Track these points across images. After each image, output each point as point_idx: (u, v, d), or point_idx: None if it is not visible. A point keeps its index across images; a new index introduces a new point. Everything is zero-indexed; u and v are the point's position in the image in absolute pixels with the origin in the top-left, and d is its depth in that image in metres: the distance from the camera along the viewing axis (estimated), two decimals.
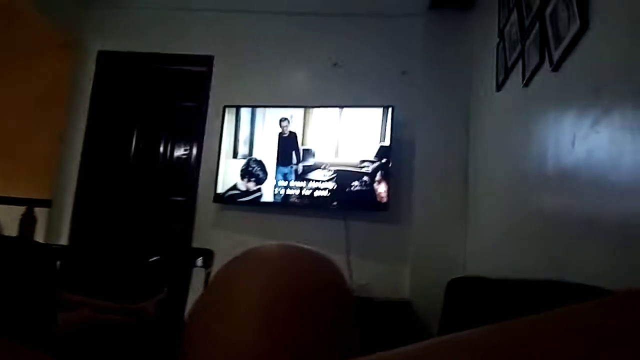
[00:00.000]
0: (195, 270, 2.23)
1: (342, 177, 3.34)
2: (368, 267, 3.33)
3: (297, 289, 0.36)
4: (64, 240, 3.64)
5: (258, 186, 3.44)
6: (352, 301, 0.39)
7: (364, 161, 3.33)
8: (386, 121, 3.34)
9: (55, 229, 3.69)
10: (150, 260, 2.10)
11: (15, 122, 3.92)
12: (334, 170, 3.36)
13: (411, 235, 3.31)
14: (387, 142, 3.31)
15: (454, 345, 0.21)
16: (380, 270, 3.37)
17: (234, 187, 3.48)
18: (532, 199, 2.06)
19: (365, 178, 3.31)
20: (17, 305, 0.92)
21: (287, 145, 3.46)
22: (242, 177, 3.48)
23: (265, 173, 3.45)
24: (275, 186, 3.43)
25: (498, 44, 2.65)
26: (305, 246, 0.40)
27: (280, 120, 3.49)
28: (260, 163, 3.47)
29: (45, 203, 3.69)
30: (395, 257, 3.39)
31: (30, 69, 3.95)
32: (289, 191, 3.41)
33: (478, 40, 3.26)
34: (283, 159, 3.45)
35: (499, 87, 2.63)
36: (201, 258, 2.29)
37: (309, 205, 3.37)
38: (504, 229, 2.43)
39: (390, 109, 3.33)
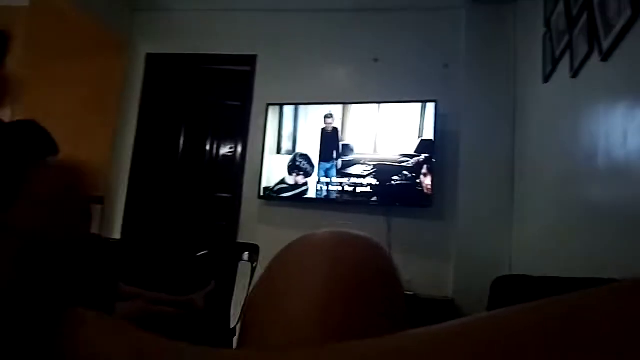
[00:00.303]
0: (241, 264, 2.29)
1: (384, 172, 3.34)
2: (410, 263, 3.31)
3: (352, 274, 0.36)
4: (116, 235, 3.82)
5: (306, 179, 3.49)
6: (401, 285, 0.40)
7: (405, 156, 3.31)
8: (428, 115, 3.31)
9: (108, 224, 3.88)
10: (199, 254, 2.18)
11: (69, 121, 4.13)
12: (376, 166, 3.36)
13: (455, 231, 3.27)
14: (429, 137, 3.28)
15: (481, 326, 0.22)
16: (423, 267, 3.34)
17: (282, 182, 3.54)
18: (581, 194, 2.00)
19: (408, 173, 3.29)
20: (81, 295, 0.99)
21: (330, 141, 3.49)
22: (290, 171, 3.54)
23: (312, 166, 3.50)
24: (318, 182, 3.47)
25: (545, 35, 2.57)
26: (357, 232, 0.41)
27: (325, 117, 3.52)
28: (306, 157, 3.52)
29: (98, 200, 3.87)
30: (438, 253, 3.36)
31: (83, 68, 4.14)
32: (331, 187, 3.44)
33: (522, 31, 3.18)
34: (325, 154, 3.49)
35: (546, 79, 2.56)
36: (247, 253, 2.35)
37: (351, 201, 3.39)
38: (552, 225, 2.36)
39: (433, 103, 3.29)
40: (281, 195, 3.55)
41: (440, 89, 3.46)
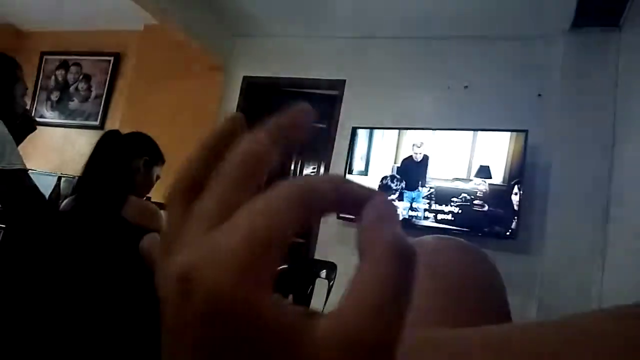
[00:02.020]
0: (318, 281, 2.35)
1: (469, 202, 3.27)
2: None
3: (453, 276, 0.39)
4: None
5: (395, 200, 3.51)
6: (503, 288, 0.42)
7: (493, 187, 3.22)
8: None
9: None
10: (278, 268, 2.27)
11: (169, 137, 4.48)
12: (460, 194, 3.30)
13: (540, 267, 3.11)
14: (519, 168, 3.18)
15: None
16: None
17: None
18: None
19: (493, 204, 3.20)
20: None
21: (417, 168, 3.48)
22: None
23: (403, 188, 3.50)
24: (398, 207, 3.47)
25: None
26: (462, 240, 0.44)
27: (413, 145, 3.53)
28: (398, 179, 3.53)
29: None
30: (520, 289, 3.20)
31: (185, 88, 4.51)
32: (411, 212, 3.42)
33: (626, 60, 3.00)
34: (410, 181, 3.48)
35: None
36: (325, 270, 2.41)
37: (432, 228, 3.35)
38: None
39: (523, 134, 3.19)
40: None
41: (532, 119, 3.35)
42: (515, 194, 3.14)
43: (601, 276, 2.91)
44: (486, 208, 3.21)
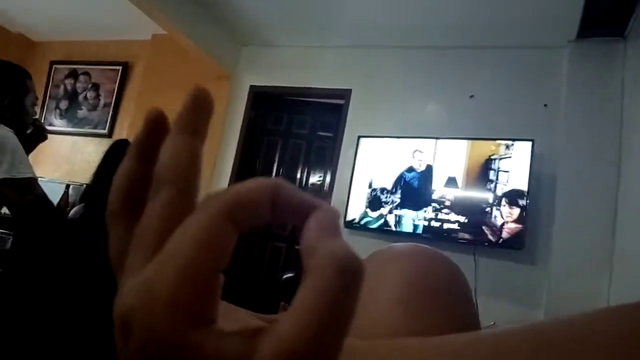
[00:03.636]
0: None
1: (475, 212, 3.26)
2: (496, 307, 3.17)
3: (425, 280, 0.40)
4: None
5: (388, 212, 3.51)
6: (472, 298, 0.43)
7: (498, 196, 3.22)
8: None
9: None
10: (285, 277, 2.27)
11: None
12: (467, 204, 3.30)
13: (547, 277, 3.09)
14: (525, 177, 3.17)
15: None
16: (509, 312, 3.18)
17: (366, 215, 3.59)
18: None
19: (500, 214, 3.19)
20: None
21: (421, 177, 3.48)
22: (372, 205, 3.58)
23: (396, 199, 3.51)
24: (403, 216, 3.47)
25: None
26: (433, 248, 0.46)
27: (414, 152, 3.53)
28: (389, 191, 3.55)
29: None
30: (527, 299, 3.19)
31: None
32: (417, 221, 3.42)
33: (632, 69, 3.00)
34: (414, 190, 3.48)
35: None
36: None
37: (437, 237, 3.34)
38: None
39: (530, 143, 3.19)
40: (368, 227, 3.58)
41: (538, 129, 3.35)
42: (522, 204, 3.14)
43: (608, 286, 2.89)
44: (503, 220, 3.21)
